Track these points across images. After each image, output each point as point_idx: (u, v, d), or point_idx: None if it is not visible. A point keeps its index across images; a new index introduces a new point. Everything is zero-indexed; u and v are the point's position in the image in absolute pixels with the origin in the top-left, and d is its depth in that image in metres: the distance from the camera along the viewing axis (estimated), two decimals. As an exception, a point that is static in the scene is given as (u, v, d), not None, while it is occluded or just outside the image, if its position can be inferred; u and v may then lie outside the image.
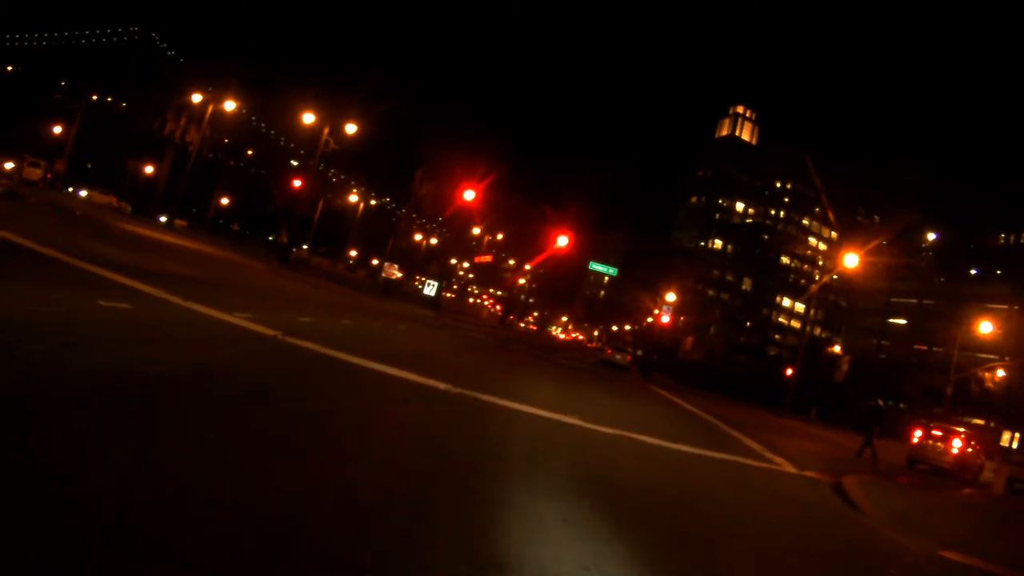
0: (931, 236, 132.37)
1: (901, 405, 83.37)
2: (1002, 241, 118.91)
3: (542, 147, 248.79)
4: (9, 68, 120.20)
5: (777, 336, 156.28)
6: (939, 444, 29.61)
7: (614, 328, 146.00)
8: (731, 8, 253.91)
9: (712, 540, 7.95)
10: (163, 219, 74.16)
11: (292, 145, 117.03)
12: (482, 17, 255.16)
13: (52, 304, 9.87)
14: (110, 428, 5.52)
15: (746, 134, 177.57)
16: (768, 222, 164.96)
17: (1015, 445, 76.19)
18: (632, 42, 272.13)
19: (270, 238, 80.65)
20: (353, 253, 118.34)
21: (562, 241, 62.28)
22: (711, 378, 73.47)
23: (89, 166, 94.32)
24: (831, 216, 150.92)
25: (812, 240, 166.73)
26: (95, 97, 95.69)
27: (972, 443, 30.56)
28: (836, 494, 14.83)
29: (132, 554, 3.74)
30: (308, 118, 55.95)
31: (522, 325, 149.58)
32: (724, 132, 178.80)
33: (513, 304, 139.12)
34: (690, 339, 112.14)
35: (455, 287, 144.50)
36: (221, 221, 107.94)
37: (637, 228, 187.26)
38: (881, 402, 38.79)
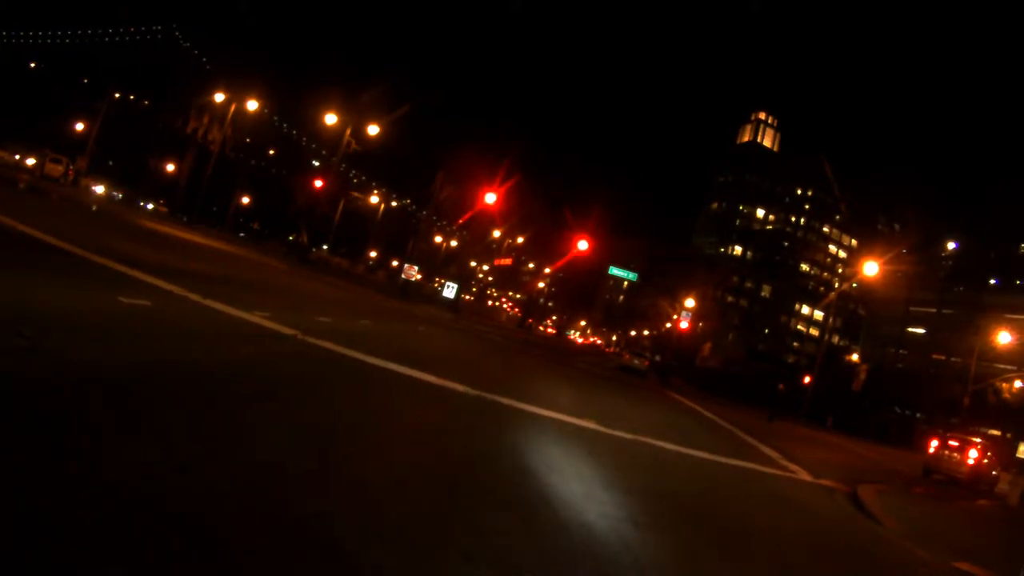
0: (951, 245, 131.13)
1: (918, 415, 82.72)
2: (1023, 251, 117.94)
3: (563, 152, 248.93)
4: (32, 65, 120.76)
5: (796, 344, 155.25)
6: (955, 454, 29.43)
7: (632, 333, 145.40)
8: (755, 15, 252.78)
9: (726, 548, 7.97)
10: (149, 206, 76.16)
11: (314, 146, 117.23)
12: (507, 22, 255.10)
13: (73, 300, 9.98)
14: (134, 423, 5.62)
15: (768, 141, 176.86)
16: (788, 229, 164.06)
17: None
18: (655, 48, 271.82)
19: (290, 238, 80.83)
20: (373, 254, 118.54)
21: (582, 245, 61.88)
22: (729, 384, 73.24)
23: (111, 163, 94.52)
24: (848, 220, 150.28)
25: (832, 248, 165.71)
26: (117, 95, 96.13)
27: (988, 454, 30.32)
28: (851, 503, 14.82)
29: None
30: (330, 119, 56.09)
31: (542, 329, 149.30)
32: (746, 138, 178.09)
33: (532, 308, 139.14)
34: (708, 345, 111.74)
35: (474, 290, 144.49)
36: (241, 219, 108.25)
37: (657, 233, 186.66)
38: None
